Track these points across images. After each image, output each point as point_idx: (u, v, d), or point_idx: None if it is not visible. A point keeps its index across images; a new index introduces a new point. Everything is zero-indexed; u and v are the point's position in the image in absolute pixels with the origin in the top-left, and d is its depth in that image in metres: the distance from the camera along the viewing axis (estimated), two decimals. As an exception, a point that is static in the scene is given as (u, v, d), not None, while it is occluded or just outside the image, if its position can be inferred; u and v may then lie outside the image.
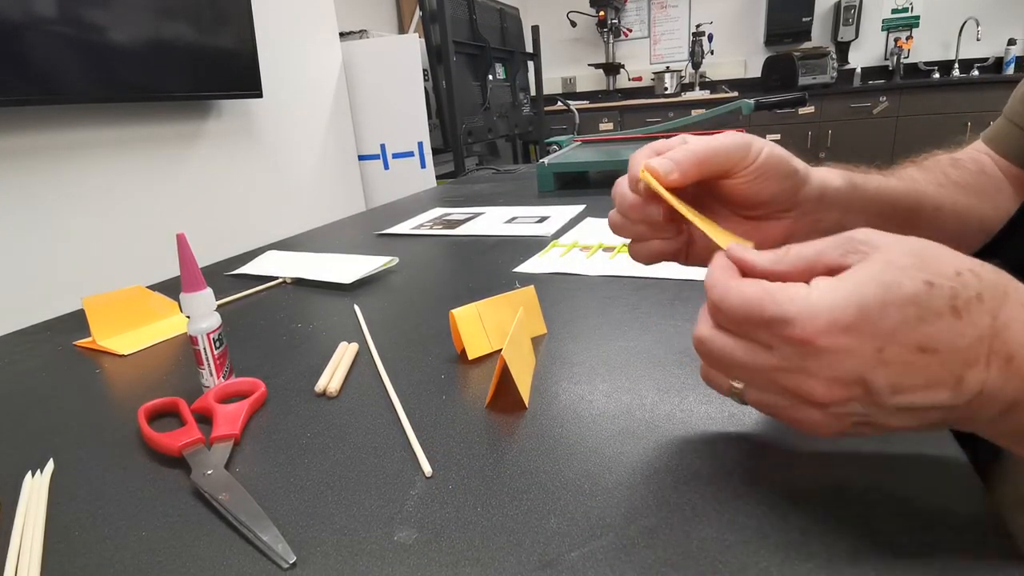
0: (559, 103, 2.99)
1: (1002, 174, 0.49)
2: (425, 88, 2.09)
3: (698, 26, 3.98)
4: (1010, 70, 3.54)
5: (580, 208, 1.00)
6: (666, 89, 3.94)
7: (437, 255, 0.82)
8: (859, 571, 0.24)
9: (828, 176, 0.37)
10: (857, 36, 3.78)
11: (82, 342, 0.58)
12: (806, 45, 3.79)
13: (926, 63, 3.76)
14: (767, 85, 3.77)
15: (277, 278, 0.75)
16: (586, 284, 0.63)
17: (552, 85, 4.37)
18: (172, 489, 0.34)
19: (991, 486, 0.41)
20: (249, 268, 0.81)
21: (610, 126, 3.87)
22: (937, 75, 3.66)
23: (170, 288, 0.64)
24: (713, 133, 0.35)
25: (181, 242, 0.42)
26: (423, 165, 2.07)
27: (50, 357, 0.56)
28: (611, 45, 4.21)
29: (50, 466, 0.37)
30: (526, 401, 0.39)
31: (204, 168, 1.54)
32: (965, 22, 3.59)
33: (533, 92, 2.94)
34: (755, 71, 3.99)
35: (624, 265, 0.67)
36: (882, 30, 3.77)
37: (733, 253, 0.28)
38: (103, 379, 0.51)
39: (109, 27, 1.20)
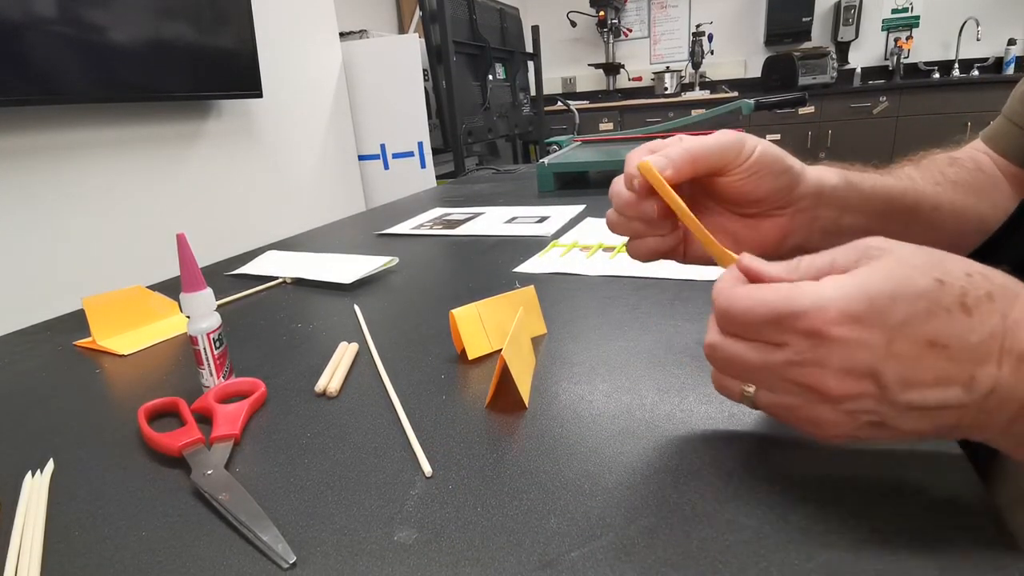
0: (559, 103, 2.98)
1: (1001, 173, 0.49)
2: (425, 88, 2.09)
3: (698, 26, 3.98)
4: (1010, 70, 3.54)
5: (580, 208, 1.00)
6: (666, 89, 3.94)
7: (437, 255, 0.82)
8: (859, 571, 0.24)
9: (824, 174, 0.37)
10: (857, 36, 3.78)
11: (82, 342, 0.58)
12: (806, 45, 3.79)
13: (926, 63, 3.76)
14: (767, 85, 3.77)
15: (277, 278, 0.75)
16: (586, 284, 0.63)
17: (552, 85, 4.37)
18: (172, 489, 0.34)
19: (991, 484, 0.41)
20: (249, 268, 0.81)
21: (610, 126, 3.87)
22: (937, 75, 3.66)
23: (170, 288, 0.64)
24: (711, 133, 0.35)
25: (181, 242, 0.42)
26: (423, 165, 2.07)
27: (50, 357, 0.56)
28: (611, 45, 4.21)
29: (50, 466, 0.37)
30: (526, 401, 0.39)
31: (204, 168, 1.54)
32: (965, 22, 3.59)
33: (533, 92, 2.94)
34: (755, 71, 3.99)
35: (624, 265, 0.67)
36: (882, 30, 3.77)
37: (744, 264, 0.28)
38: (103, 379, 0.51)
39: (109, 27, 1.20)
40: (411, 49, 1.98)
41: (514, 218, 0.98)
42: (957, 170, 0.46)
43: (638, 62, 4.33)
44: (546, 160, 1.22)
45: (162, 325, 0.61)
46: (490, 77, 2.34)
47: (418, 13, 2.58)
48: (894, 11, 3.74)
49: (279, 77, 1.72)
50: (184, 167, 1.49)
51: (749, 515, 0.28)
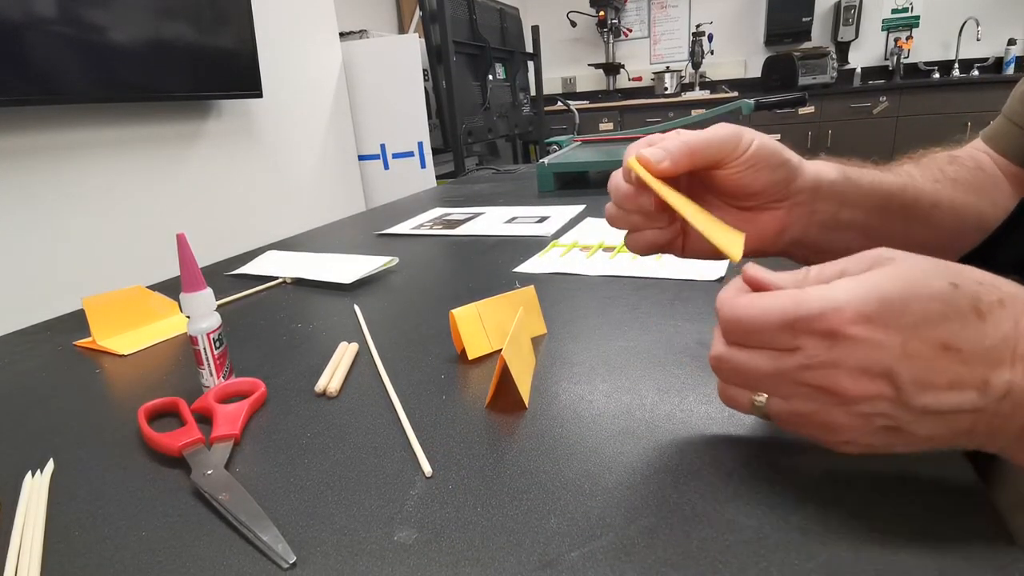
0: (559, 103, 2.98)
1: (1000, 172, 0.49)
2: (425, 88, 2.09)
3: (698, 26, 3.98)
4: (1010, 70, 3.54)
5: (580, 208, 1.00)
6: (666, 89, 3.94)
7: (437, 255, 0.82)
8: (859, 571, 0.24)
9: (822, 168, 0.37)
10: (857, 36, 3.78)
11: (82, 342, 0.58)
12: (806, 45, 3.79)
13: (926, 63, 3.76)
14: (767, 85, 3.78)
15: (277, 278, 0.75)
16: (586, 284, 0.63)
17: (552, 85, 4.37)
18: (172, 489, 0.34)
19: (991, 486, 0.41)
20: (249, 268, 0.81)
21: (610, 126, 3.87)
22: (937, 75, 3.66)
23: (170, 288, 0.64)
24: None
25: (181, 242, 0.42)
26: (423, 165, 2.07)
27: (50, 357, 0.56)
28: (611, 45, 4.21)
29: (50, 466, 0.37)
30: (526, 401, 0.39)
31: (204, 168, 1.54)
32: (965, 22, 3.59)
33: (533, 92, 2.94)
34: (755, 71, 3.99)
35: (624, 265, 0.67)
36: (882, 30, 3.78)
37: (750, 274, 0.28)
38: (103, 379, 0.51)
39: (109, 27, 1.20)
40: (411, 49, 1.99)
41: (514, 218, 0.98)
42: (957, 168, 0.46)
43: (638, 62, 4.33)
44: (546, 160, 1.22)
45: (162, 325, 0.61)
46: (490, 77, 2.34)
47: (418, 13, 2.58)
48: (894, 11, 3.74)
49: (279, 77, 1.72)
50: (184, 167, 1.49)
51: (749, 515, 0.28)
